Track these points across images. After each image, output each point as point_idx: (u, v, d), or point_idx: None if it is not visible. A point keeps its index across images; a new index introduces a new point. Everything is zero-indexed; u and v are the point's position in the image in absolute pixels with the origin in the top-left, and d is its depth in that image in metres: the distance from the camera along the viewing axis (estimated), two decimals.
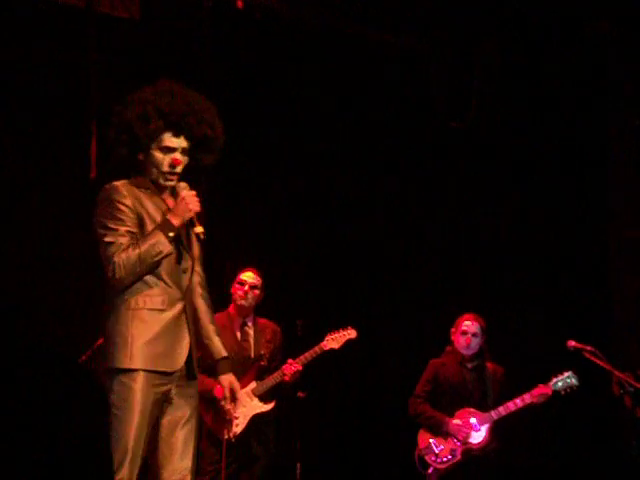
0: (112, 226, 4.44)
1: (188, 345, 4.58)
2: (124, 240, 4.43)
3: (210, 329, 4.84)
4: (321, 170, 9.22)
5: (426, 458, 7.27)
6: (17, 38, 7.43)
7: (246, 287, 7.17)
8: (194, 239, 4.67)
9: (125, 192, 4.51)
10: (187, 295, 4.62)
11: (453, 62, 9.49)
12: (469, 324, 7.41)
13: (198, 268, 4.77)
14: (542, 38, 9.24)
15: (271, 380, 7.04)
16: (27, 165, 7.45)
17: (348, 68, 9.08)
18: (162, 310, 4.48)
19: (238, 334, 7.21)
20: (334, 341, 7.14)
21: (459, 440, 7.21)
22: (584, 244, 9.54)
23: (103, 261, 4.44)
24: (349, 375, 8.94)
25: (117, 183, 4.54)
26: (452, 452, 7.22)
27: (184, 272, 4.62)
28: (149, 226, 4.50)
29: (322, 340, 7.14)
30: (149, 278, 4.49)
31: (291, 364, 6.99)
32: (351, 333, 7.22)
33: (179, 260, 4.58)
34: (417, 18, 9.12)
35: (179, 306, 4.54)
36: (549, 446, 8.95)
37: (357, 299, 9.17)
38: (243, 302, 7.18)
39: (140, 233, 4.48)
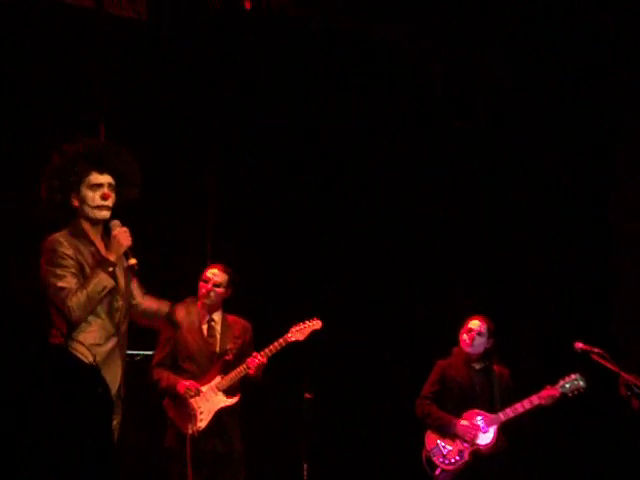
0: (59, 273, 5.06)
1: (121, 372, 5.21)
2: (72, 284, 5.05)
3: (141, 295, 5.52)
4: (325, 169, 9.24)
5: (434, 459, 7.27)
6: (25, 38, 7.44)
7: (209, 285, 7.08)
8: (127, 273, 5.31)
9: (65, 242, 5.12)
10: (120, 330, 5.24)
11: (457, 61, 9.49)
12: (476, 323, 7.41)
13: (136, 292, 5.48)
14: (547, 36, 9.26)
15: (235, 374, 6.96)
16: (34, 166, 7.45)
17: (351, 67, 9.11)
18: (98, 345, 5.08)
19: (204, 330, 7.15)
20: (299, 332, 7.05)
21: (466, 441, 7.21)
22: (589, 243, 9.56)
23: (57, 304, 5.08)
24: (356, 376, 8.93)
25: (57, 235, 5.16)
26: (460, 453, 7.22)
27: (117, 310, 5.22)
28: (87, 270, 5.12)
29: (287, 332, 7.05)
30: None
31: (255, 357, 6.92)
32: (316, 324, 7.12)
33: (112, 300, 5.19)
34: (421, 15, 9.12)
35: (113, 340, 5.17)
36: (556, 447, 8.96)
37: (365, 300, 9.16)
38: (206, 300, 7.11)
39: (81, 277, 5.09)
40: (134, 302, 5.50)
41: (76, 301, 5.03)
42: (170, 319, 5.54)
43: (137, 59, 8.01)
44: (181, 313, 5.58)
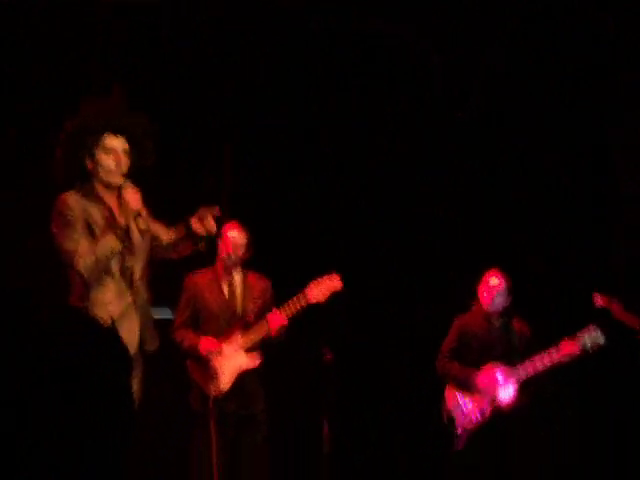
0: (66, 234, 5.12)
1: (138, 327, 5.23)
2: (78, 245, 5.10)
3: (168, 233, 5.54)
4: (324, 169, 9.26)
5: (455, 418, 7.26)
6: (30, 27, 7.48)
7: (229, 246, 7.04)
8: (138, 234, 5.33)
9: (71, 203, 5.16)
10: (136, 288, 5.28)
11: (457, 59, 9.56)
12: (495, 282, 7.39)
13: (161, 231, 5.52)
14: (547, 35, 9.35)
15: (256, 332, 6.89)
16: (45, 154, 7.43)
17: (350, 59, 9.15)
18: (111, 303, 5.13)
19: (225, 290, 7.09)
20: (319, 293, 6.86)
21: (487, 396, 7.13)
22: (589, 243, 9.56)
23: (67, 265, 5.16)
24: (375, 334, 8.91)
25: (65, 196, 5.21)
26: (481, 411, 7.17)
27: (128, 269, 5.25)
28: (96, 231, 5.16)
29: (306, 287, 6.93)
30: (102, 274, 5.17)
31: (275, 313, 6.85)
32: (336, 284, 6.92)
33: (124, 258, 5.22)
34: (420, 9, 9.18)
35: (127, 298, 5.21)
36: (574, 406, 8.87)
37: (365, 299, 9.10)
38: (227, 261, 7.06)
39: (90, 236, 5.14)
40: (155, 243, 5.50)
41: (83, 264, 5.08)
42: (189, 232, 5.43)
43: (138, 49, 8.04)
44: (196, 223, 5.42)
